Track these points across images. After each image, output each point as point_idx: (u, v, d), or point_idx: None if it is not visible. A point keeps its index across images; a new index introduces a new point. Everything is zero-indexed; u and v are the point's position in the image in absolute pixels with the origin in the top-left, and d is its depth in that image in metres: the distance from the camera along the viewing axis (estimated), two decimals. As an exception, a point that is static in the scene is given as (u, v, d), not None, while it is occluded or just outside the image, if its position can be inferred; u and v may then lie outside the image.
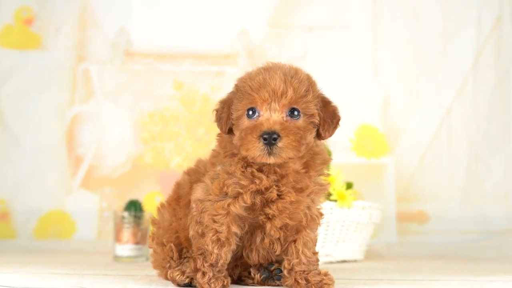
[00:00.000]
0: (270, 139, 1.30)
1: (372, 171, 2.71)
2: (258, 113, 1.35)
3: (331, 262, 2.11)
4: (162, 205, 1.54)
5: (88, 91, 2.78)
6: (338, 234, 2.14)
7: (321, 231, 2.03)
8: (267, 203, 1.38)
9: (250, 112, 1.36)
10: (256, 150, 1.32)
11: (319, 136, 1.41)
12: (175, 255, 1.46)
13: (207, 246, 1.37)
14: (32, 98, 2.76)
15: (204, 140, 2.77)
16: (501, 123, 2.76)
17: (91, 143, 2.75)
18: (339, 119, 1.43)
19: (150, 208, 2.25)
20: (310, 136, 1.38)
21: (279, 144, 1.31)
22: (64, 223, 2.71)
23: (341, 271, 1.83)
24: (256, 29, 2.82)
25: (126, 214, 2.18)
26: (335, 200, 2.13)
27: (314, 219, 1.44)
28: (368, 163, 2.53)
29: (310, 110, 1.37)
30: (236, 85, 1.42)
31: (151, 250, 1.55)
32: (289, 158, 1.34)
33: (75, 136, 2.77)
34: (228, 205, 1.37)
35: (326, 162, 1.44)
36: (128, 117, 2.78)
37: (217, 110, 1.43)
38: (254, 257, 1.46)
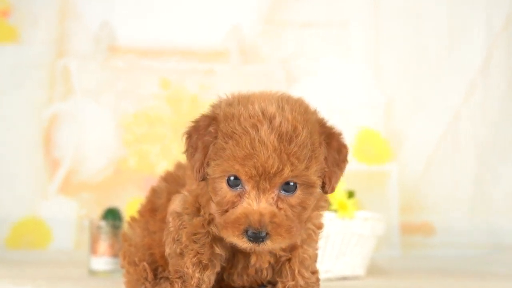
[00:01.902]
0: (257, 238, 1.05)
1: (374, 179, 2.52)
2: (243, 187, 1.07)
3: (330, 279, 1.92)
4: (133, 219, 1.33)
5: (67, 88, 2.59)
6: (339, 247, 1.93)
7: (320, 244, 1.84)
8: None
9: (232, 178, 1.07)
10: (239, 243, 1.08)
11: (323, 190, 1.14)
12: (150, 276, 1.25)
13: (187, 269, 1.15)
14: (7, 96, 2.57)
15: (192, 143, 2.58)
16: (512, 129, 2.60)
17: (70, 145, 2.57)
18: (346, 154, 1.15)
19: (133, 217, 2.07)
20: (310, 208, 1.12)
21: (268, 242, 1.06)
22: (39, 232, 2.51)
23: (342, 290, 1.64)
24: (249, 25, 2.64)
25: (103, 223, 1.98)
26: (336, 210, 1.93)
27: (310, 235, 1.23)
28: (369, 169, 2.36)
29: (312, 179, 1.09)
30: (215, 120, 1.10)
31: (124, 270, 1.34)
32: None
33: (53, 137, 2.57)
34: (209, 223, 1.14)
35: (319, 209, 1.21)
36: (110, 118, 2.59)
37: (189, 139, 1.14)
38: (237, 281, 1.24)
